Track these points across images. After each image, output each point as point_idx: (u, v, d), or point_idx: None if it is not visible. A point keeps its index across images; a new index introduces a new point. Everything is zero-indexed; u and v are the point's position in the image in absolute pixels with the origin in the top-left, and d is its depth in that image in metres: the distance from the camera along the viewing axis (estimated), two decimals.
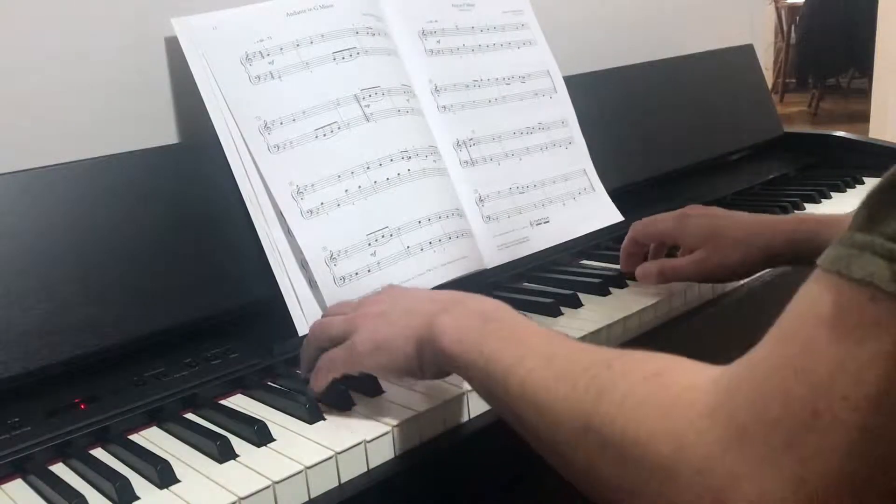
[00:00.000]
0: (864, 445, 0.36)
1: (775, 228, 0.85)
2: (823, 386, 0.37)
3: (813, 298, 0.39)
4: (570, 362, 0.51)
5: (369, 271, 0.84)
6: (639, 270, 0.90)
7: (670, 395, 0.44)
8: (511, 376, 0.54)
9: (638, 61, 1.33)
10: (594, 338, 0.80)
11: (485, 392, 0.59)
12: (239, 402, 0.73)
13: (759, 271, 0.88)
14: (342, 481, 0.62)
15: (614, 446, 0.45)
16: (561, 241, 1.03)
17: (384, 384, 0.72)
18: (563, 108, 1.09)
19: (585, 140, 1.09)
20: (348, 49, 0.90)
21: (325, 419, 0.67)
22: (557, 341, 0.55)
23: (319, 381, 0.68)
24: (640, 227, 0.93)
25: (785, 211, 1.20)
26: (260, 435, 0.65)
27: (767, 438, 0.38)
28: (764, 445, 0.38)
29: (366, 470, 0.64)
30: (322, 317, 0.75)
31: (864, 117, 3.66)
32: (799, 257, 0.82)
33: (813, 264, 0.40)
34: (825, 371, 0.37)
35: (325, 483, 0.61)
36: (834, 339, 0.37)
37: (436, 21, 1.01)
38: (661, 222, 0.91)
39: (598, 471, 0.47)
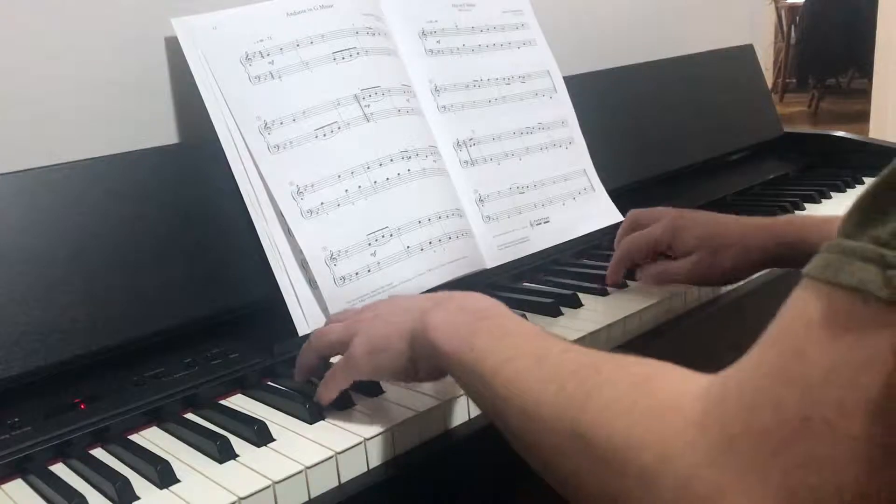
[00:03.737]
0: (857, 453, 0.35)
1: (768, 231, 0.84)
2: (815, 392, 0.36)
3: (803, 306, 0.38)
4: (558, 364, 0.51)
5: (369, 271, 0.84)
6: (638, 273, 0.91)
7: (658, 402, 0.43)
8: (498, 375, 0.53)
9: (638, 61, 1.33)
10: (594, 338, 0.80)
11: (472, 390, 0.58)
12: (239, 402, 0.73)
13: (753, 274, 0.88)
14: (342, 481, 0.62)
15: (599, 452, 0.44)
16: (561, 241, 1.03)
17: (384, 384, 0.72)
18: (563, 108, 1.09)
19: (585, 140, 1.09)
20: (348, 49, 0.90)
21: (325, 419, 0.67)
22: (548, 342, 0.54)
23: (327, 395, 0.68)
24: (633, 248, 0.91)
25: (785, 211, 1.20)
26: (260, 435, 0.65)
27: (756, 447, 0.37)
28: (752, 455, 0.37)
29: (366, 470, 0.64)
30: (325, 324, 0.75)
31: (864, 117, 3.66)
32: (793, 259, 0.81)
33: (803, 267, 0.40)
34: (817, 378, 0.36)
35: (325, 483, 0.61)
36: (825, 346, 0.36)
37: (436, 21, 1.01)
38: (651, 234, 0.89)
39: (582, 477, 0.46)
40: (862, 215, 0.37)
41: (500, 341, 0.56)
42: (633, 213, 0.95)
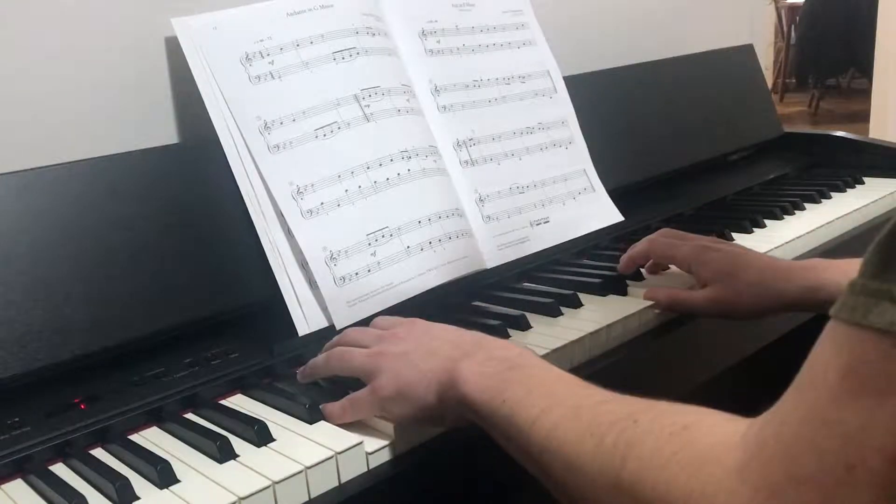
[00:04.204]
0: None
1: (788, 278, 0.82)
2: (855, 438, 0.36)
3: (832, 349, 0.38)
4: (596, 415, 0.51)
5: (369, 271, 0.84)
6: (649, 293, 0.89)
7: (698, 452, 0.43)
8: (536, 428, 0.53)
9: (638, 61, 1.33)
10: (594, 338, 0.80)
11: (508, 442, 0.57)
12: (239, 402, 0.73)
13: (770, 316, 0.85)
14: (342, 481, 0.62)
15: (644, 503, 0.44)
16: (561, 241, 1.03)
17: None
18: (563, 108, 1.09)
19: (585, 140, 1.09)
20: (348, 49, 0.90)
21: (324, 419, 0.67)
22: (583, 392, 0.55)
23: (343, 420, 0.67)
24: (656, 246, 0.92)
25: (785, 211, 1.20)
26: (260, 435, 0.65)
27: (800, 496, 0.37)
28: (797, 503, 0.37)
29: (366, 470, 0.64)
30: (339, 339, 0.73)
31: (864, 117, 3.65)
32: (813, 304, 0.80)
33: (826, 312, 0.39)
34: (855, 423, 0.36)
35: (325, 483, 0.61)
36: (860, 391, 0.36)
37: (436, 21, 1.01)
38: (677, 249, 0.90)
39: None
40: (886, 254, 0.37)
41: (534, 393, 0.56)
42: (665, 229, 0.95)
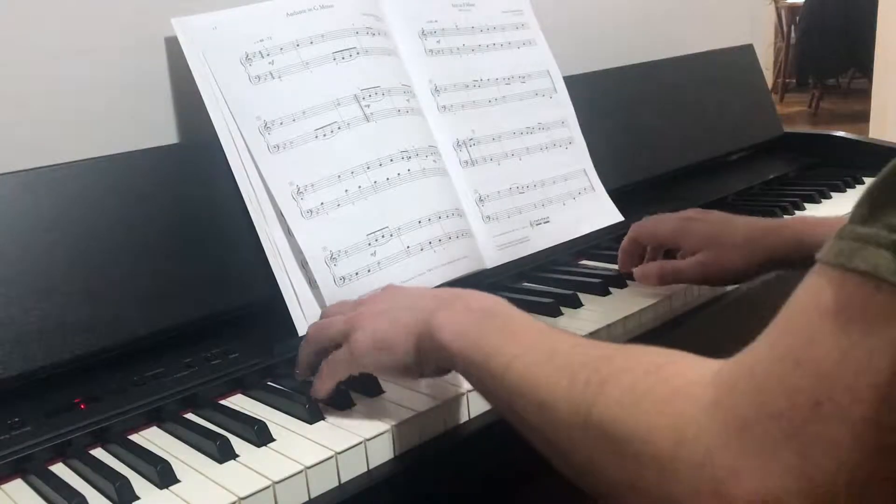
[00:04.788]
0: (869, 437, 0.36)
1: (777, 233, 0.84)
2: (827, 377, 0.37)
3: (815, 291, 0.39)
4: (570, 357, 0.51)
5: (369, 271, 0.84)
6: (638, 271, 0.90)
7: (671, 389, 0.44)
8: (510, 371, 0.54)
9: (638, 61, 1.33)
10: (594, 338, 0.80)
11: (483, 388, 0.59)
12: (239, 402, 0.73)
13: (760, 275, 0.88)
14: (342, 481, 0.62)
15: (614, 440, 0.45)
16: (561, 241, 1.02)
17: (384, 384, 0.72)
18: (563, 108, 1.09)
19: (585, 140, 1.09)
20: (348, 49, 0.90)
21: (325, 419, 0.67)
22: (557, 336, 0.55)
23: (323, 387, 0.68)
24: (641, 228, 0.93)
25: (785, 211, 1.20)
26: (260, 435, 0.65)
27: (769, 431, 0.38)
28: (765, 438, 0.38)
29: (366, 470, 0.64)
30: (321, 316, 0.75)
31: (864, 117, 3.65)
32: (801, 261, 0.81)
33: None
34: (829, 362, 0.37)
35: (325, 483, 0.61)
36: (838, 331, 0.37)
37: (436, 21, 1.01)
38: (662, 225, 0.91)
39: (598, 465, 0.47)
40: (874, 202, 0.37)
41: (508, 339, 0.56)
42: (645, 218, 0.96)
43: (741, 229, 0.86)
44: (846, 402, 0.36)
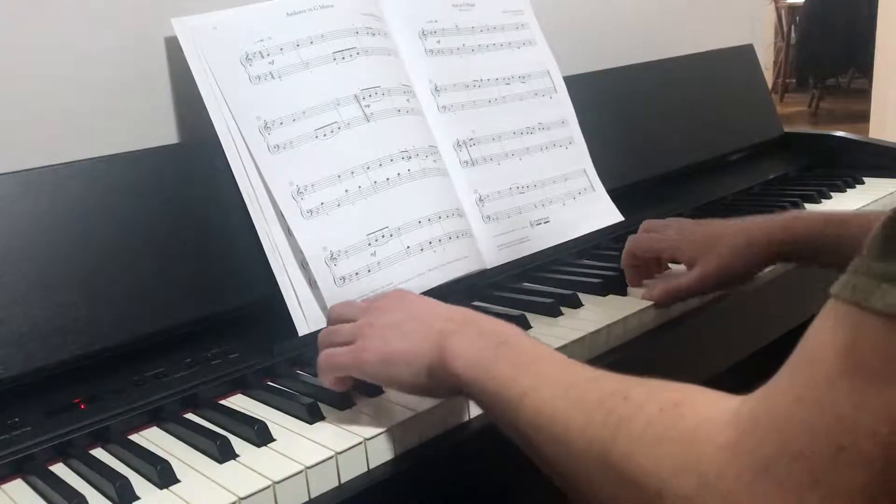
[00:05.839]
0: (893, 483, 0.35)
1: (771, 226, 0.85)
2: (848, 419, 0.36)
3: (832, 330, 0.38)
4: (586, 392, 0.51)
5: (369, 271, 0.84)
6: (645, 294, 0.88)
7: (689, 428, 0.43)
8: (525, 405, 0.53)
9: (638, 61, 1.33)
10: (594, 338, 0.80)
11: (496, 417, 0.57)
12: (239, 402, 0.73)
13: (760, 271, 0.88)
14: (342, 481, 0.62)
15: (633, 482, 0.44)
16: (561, 241, 1.03)
17: None
18: (563, 108, 1.09)
19: (585, 140, 1.09)
20: (348, 49, 0.90)
21: (325, 419, 0.67)
22: (573, 369, 0.55)
23: (324, 376, 0.68)
24: (638, 243, 0.92)
25: (785, 211, 1.20)
26: (260, 435, 0.65)
27: (792, 473, 0.37)
28: (788, 480, 0.37)
29: (366, 470, 0.64)
30: (328, 314, 0.74)
31: (864, 117, 3.66)
32: (798, 254, 0.83)
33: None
34: (849, 405, 0.36)
35: (325, 483, 0.61)
36: (856, 373, 0.36)
37: (436, 21, 1.01)
38: (657, 243, 0.91)
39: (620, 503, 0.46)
40: (889, 236, 0.37)
41: (524, 370, 0.56)
42: (646, 221, 0.95)
43: (735, 231, 0.86)
44: (869, 448, 0.36)
